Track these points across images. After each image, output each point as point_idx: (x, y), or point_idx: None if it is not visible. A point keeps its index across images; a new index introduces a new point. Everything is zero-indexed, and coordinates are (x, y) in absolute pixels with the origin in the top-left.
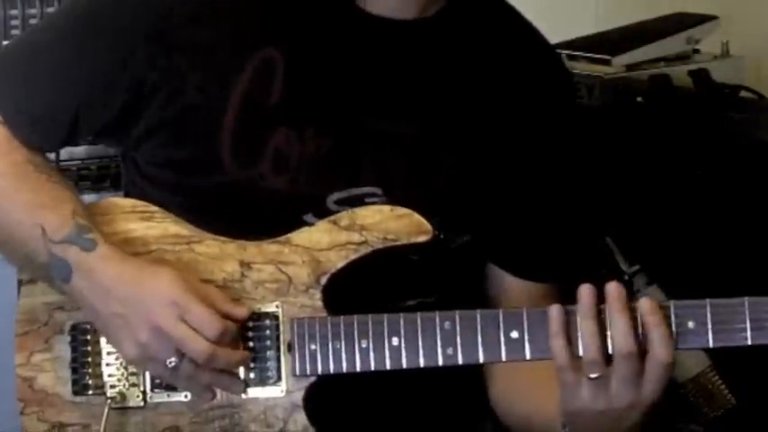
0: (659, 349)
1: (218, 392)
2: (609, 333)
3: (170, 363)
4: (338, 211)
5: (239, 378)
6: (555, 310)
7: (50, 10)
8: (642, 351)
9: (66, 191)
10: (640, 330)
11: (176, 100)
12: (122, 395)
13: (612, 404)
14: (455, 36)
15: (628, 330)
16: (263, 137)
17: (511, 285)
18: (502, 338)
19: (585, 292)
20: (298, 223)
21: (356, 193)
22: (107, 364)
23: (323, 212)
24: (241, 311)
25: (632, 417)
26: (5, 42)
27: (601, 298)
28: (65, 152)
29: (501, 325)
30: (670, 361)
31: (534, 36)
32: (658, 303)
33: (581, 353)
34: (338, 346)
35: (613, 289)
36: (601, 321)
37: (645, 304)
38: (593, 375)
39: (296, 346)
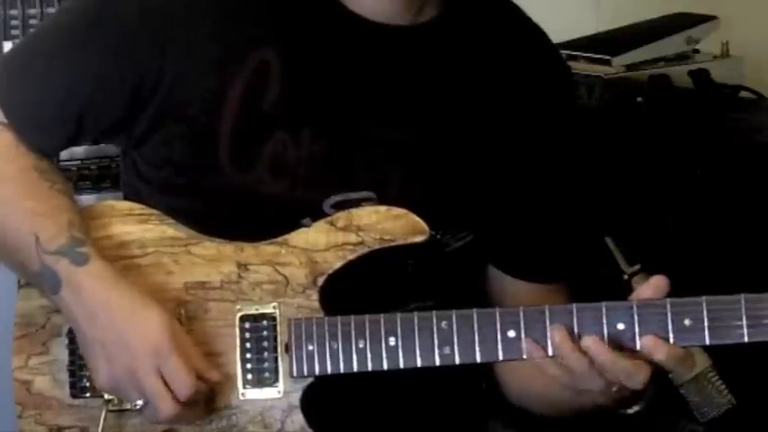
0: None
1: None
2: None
3: (136, 405)
4: None
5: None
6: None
7: (51, 10)
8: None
9: (68, 201)
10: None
11: (174, 100)
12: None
13: (609, 385)
14: (452, 41)
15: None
16: (261, 140)
17: (512, 287)
18: (499, 337)
19: (558, 340)
20: (295, 227)
21: (352, 197)
22: None
23: (320, 217)
24: (215, 375)
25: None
26: (6, 42)
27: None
28: (65, 152)
29: (498, 324)
30: (649, 375)
31: (535, 37)
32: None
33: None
34: (335, 347)
35: (593, 345)
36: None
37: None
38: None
39: (293, 347)
